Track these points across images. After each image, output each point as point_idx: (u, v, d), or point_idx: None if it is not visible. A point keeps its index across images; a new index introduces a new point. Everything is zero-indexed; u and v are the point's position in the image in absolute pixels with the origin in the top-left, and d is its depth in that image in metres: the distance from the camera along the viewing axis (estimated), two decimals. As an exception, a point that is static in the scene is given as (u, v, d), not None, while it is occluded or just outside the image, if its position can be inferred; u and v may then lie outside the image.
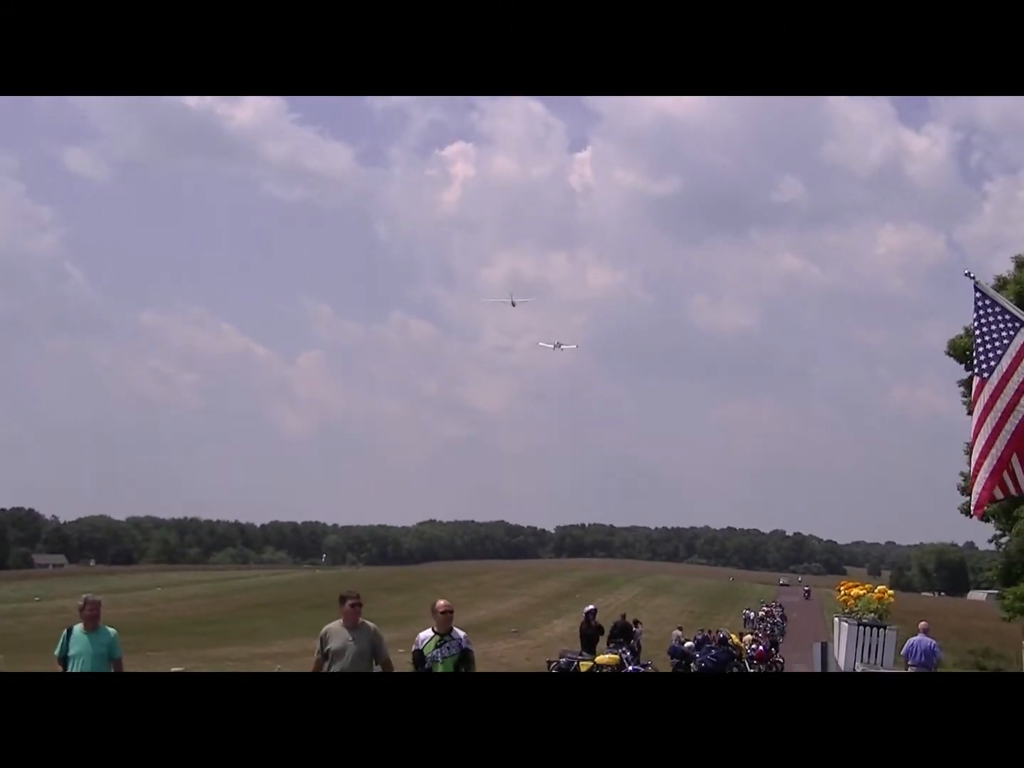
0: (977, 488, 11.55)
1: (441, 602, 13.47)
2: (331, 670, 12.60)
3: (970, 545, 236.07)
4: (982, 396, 11.46)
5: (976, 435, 11.52)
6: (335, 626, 13.14)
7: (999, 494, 11.69)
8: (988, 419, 11.38)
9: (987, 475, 11.35)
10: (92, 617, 13.75)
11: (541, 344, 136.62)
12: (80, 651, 13.40)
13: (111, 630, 13.95)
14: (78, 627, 13.77)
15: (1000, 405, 11.31)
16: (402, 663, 13.70)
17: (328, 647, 13.00)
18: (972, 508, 11.95)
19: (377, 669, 12.53)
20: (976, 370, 11.79)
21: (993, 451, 11.33)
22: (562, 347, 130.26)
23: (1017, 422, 11.22)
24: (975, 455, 11.68)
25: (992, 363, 11.41)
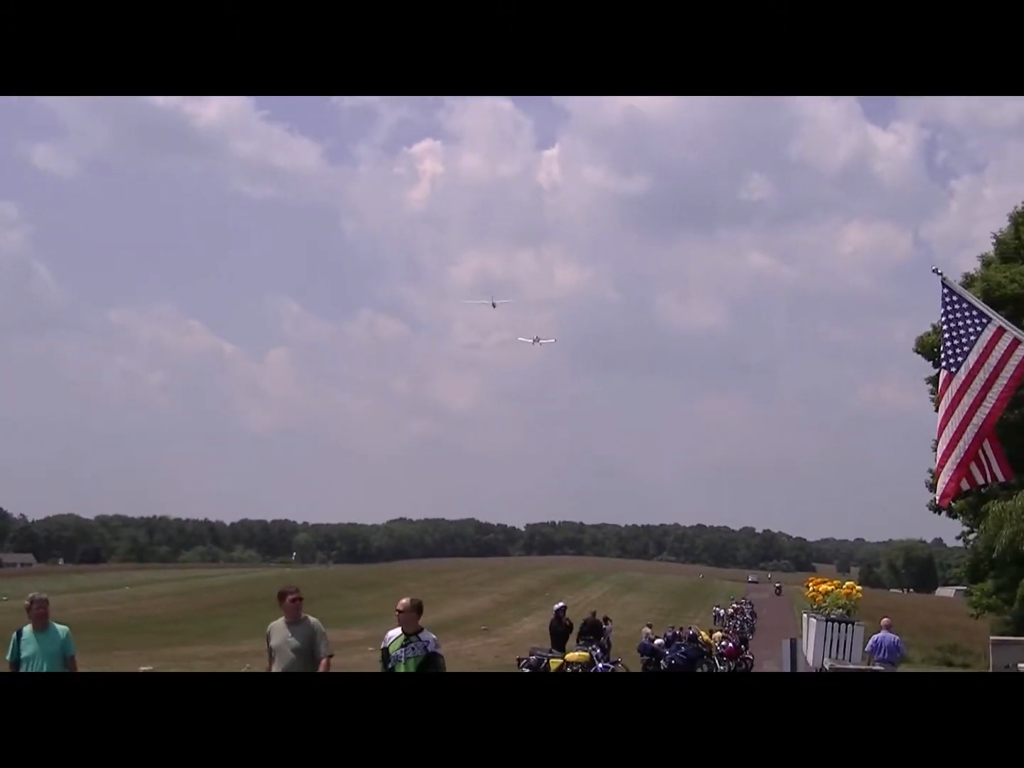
0: (944, 479, 11.75)
1: (402, 601, 12.96)
2: (274, 668, 12.50)
3: (939, 542, 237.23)
4: (949, 390, 11.69)
5: (943, 428, 11.73)
6: (278, 623, 12.97)
7: (966, 485, 11.95)
8: (955, 412, 11.60)
9: (954, 466, 11.56)
10: (41, 616, 13.19)
11: (520, 339, 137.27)
12: (33, 653, 12.82)
13: (62, 628, 13.40)
14: (27, 628, 13.18)
15: (967, 400, 11.54)
16: (372, 661, 13.53)
17: (270, 644, 12.85)
18: (938, 498, 12.11)
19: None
20: (944, 364, 12.02)
21: (960, 443, 11.55)
22: (540, 341, 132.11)
23: (985, 415, 11.45)
24: (941, 447, 11.87)
25: (960, 358, 11.64)
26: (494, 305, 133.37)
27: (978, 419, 11.41)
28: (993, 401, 11.36)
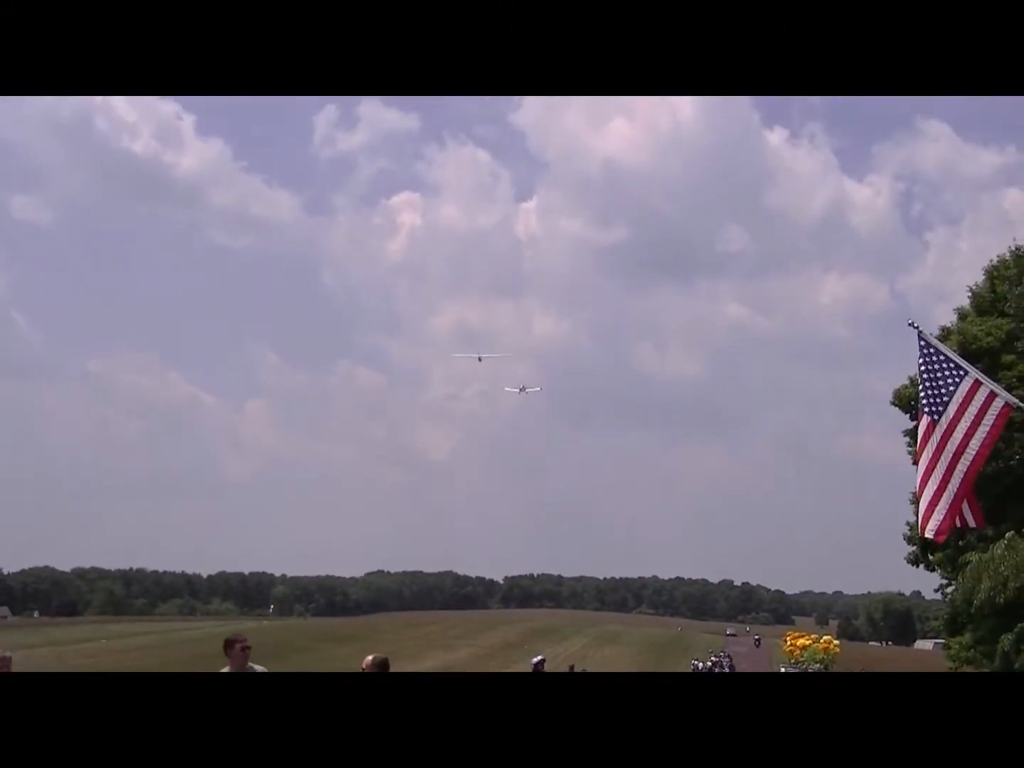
0: (937, 516, 12.25)
1: (366, 659, 12.10)
2: None
3: (917, 595, 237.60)
4: (933, 435, 12.41)
5: (930, 470, 12.30)
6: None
7: (959, 523, 12.51)
8: (941, 458, 12.27)
9: (947, 505, 12.11)
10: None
11: (507, 389, 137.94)
12: None
13: None
14: None
15: (951, 447, 12.22)
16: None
17: None
18: (933, 534, 12.52)
19: None
20: (926, 410, 12.61)
21: (949, 487, 12.17)
22: (527, 390, 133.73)
23: (968, 463, 12.12)
24: (931, 488, 12.40)
25: (940, 407, 12.25)
26: (480, 359, 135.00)
27: (962, 466, 12.07)
28: (976, 448, 12.00)
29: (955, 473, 11.89)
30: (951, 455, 11.94)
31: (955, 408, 12.02)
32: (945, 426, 12.03)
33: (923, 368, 12.31)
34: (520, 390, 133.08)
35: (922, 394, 12.40)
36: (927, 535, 12.53)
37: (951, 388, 12.11)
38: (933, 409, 12.12)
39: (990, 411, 11.89)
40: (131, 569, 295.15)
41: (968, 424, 11.90)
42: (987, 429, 11.83)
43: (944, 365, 12.30)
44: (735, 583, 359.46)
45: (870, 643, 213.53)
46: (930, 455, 12.10)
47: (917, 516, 13.47)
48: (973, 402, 11.90)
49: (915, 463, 13.82)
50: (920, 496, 12.45)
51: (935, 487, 12.05)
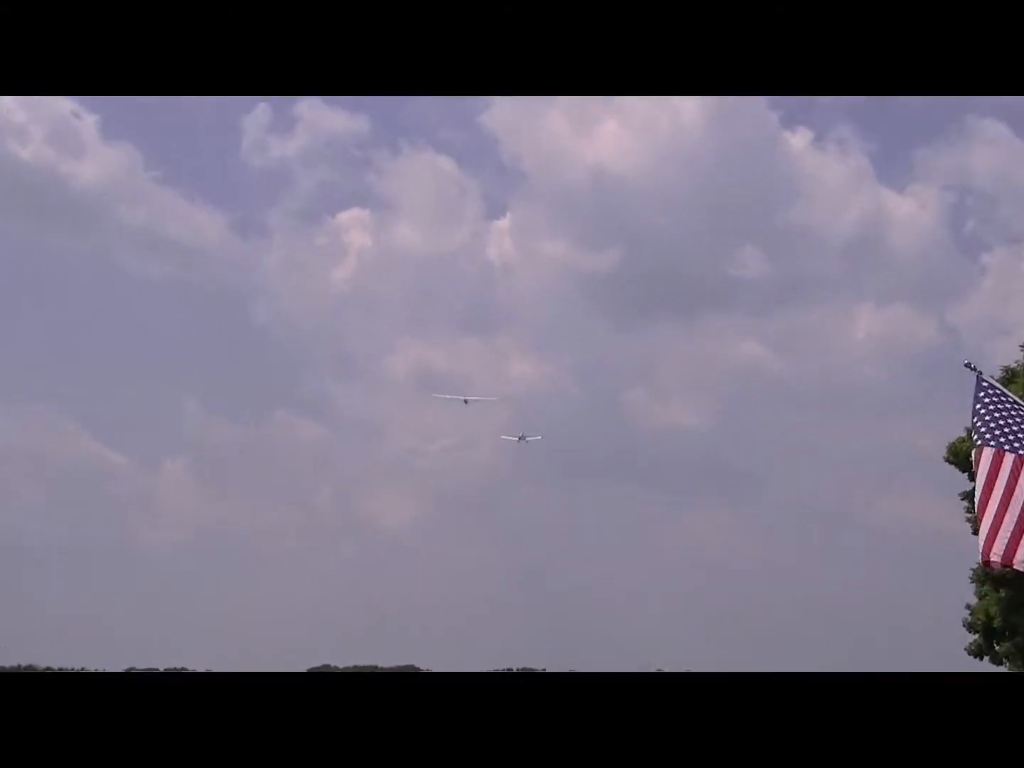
0: (1002, 539, 12.14)
1: None
2: None
3: None
4: (1003, 467, 12.32)
5: (1007, 501, 12.19)
6: None
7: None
8: (1016, 493, 12.20)
9: (1011, 530, 12.04)
10: None
11: (504, 437, 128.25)
12: None
13: None
14: None
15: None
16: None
17: None
18: (1000, 559, 12.35)
19: None
20: (992, 442, 12.52)
21: (1017, 515, 12.11)
22: (527, 439, 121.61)
23: None
24: (1011, 518, 12.27)
25: (1013, 439, 12.17)
26: (466, 401, 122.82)
27: None
28: None
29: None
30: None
31: None
32: (1013, 461, 11.97)
33: (984, 408, 12.21)
34: (519, 439, 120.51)
35: (980, 426, 12.30)
36: (991, 559, 12.35)
37: (1014, 428, 12.07)
38: (1003, 440, 12.05)
39: None
40: (23, 667, 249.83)
41: None
42: None
43: (1010, 407, 12.25)
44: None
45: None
46: (1003, 487, 12.01)
47: (979, 543, 13.25)
48: None
49: (975, 534, 13.51)
50: (982, 520, 12.32)
51: (1002, 512, 11.93)
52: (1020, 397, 13.84)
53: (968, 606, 42.75)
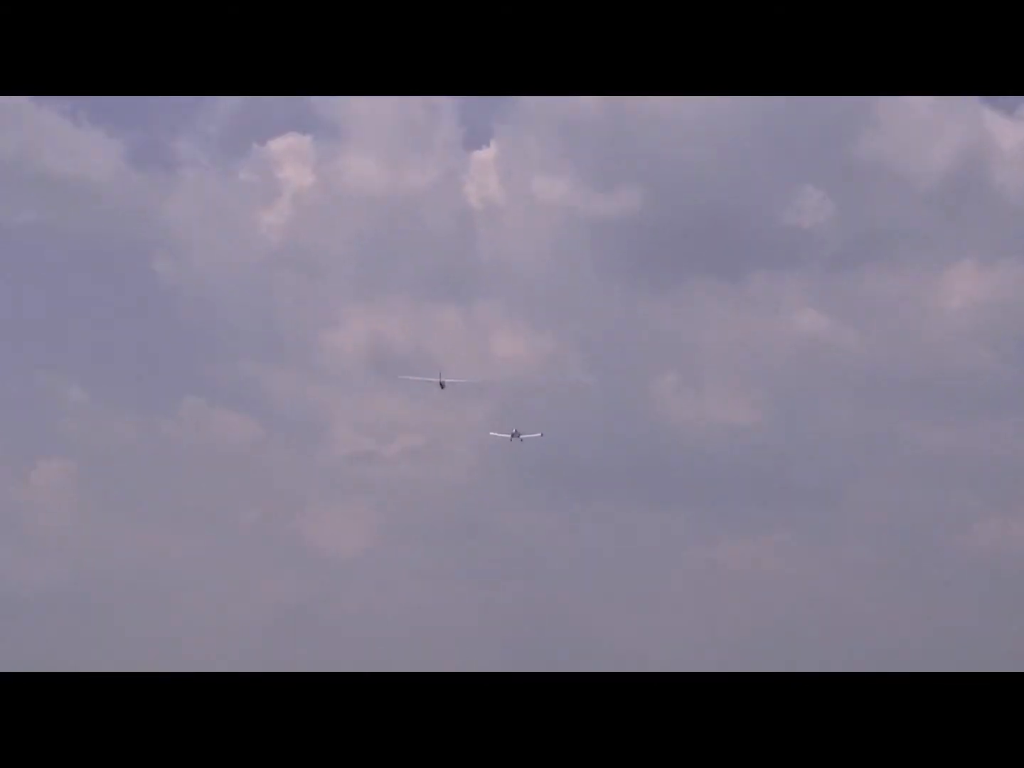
0: None
1: None
2: None
3: None
4: None
5: None
6: None
7: None
8: None
9: None
10: None
11: (493, 434, 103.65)
12: None
13: None
14: None
15: None
16: None
17: None
18: None
19: None
20: None
21: None
22: (521, 438, 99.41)
23: None
24: None
25: None
26: (442, 385, 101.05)
27: None
28: None
29: None
30: None
31: None
32: None
33: None
34: (512, 437, 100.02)
35: None
36: None
37: None
38: None
39: None
40: None
41: None
42: None
43: None
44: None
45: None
46: None
47: None
48: None
49: None
50: None
51: None
52: None
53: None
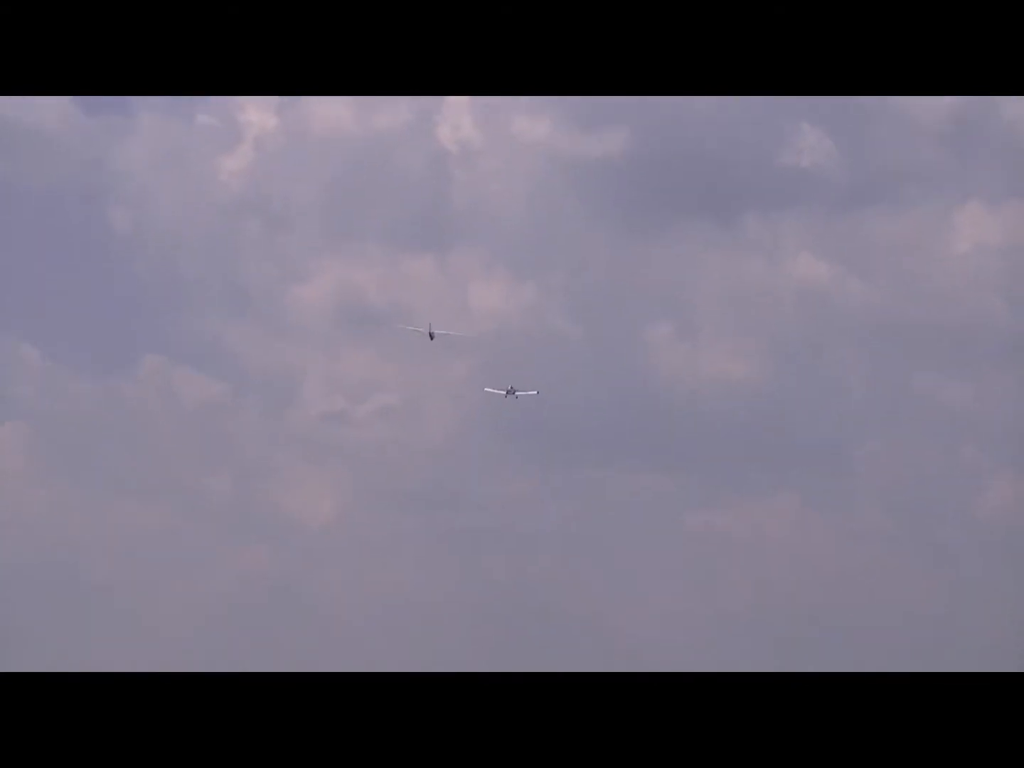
0: None
1: None
2: None
3: None
4: None
5: None
6: None
7: None
8: None
9: None
10: None
11: (488, 390, 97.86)
12: None
13: None
14: None
15: None
16: None
17: None
18: None
19: None
20: None
21: None
22: (516, 394, 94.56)
23: None
24: None
25: None
26: (432, 336, 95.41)
27: None
28: None
29: None
30: None
31: None
32: None
33: None
34: (507, 393, 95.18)
35: None
36: None
37: None
38: None
39: None
40: None
41: None
42: None
43: None
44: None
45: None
46: None
47: None
48: None
49: None
50: None
51: None
52: None
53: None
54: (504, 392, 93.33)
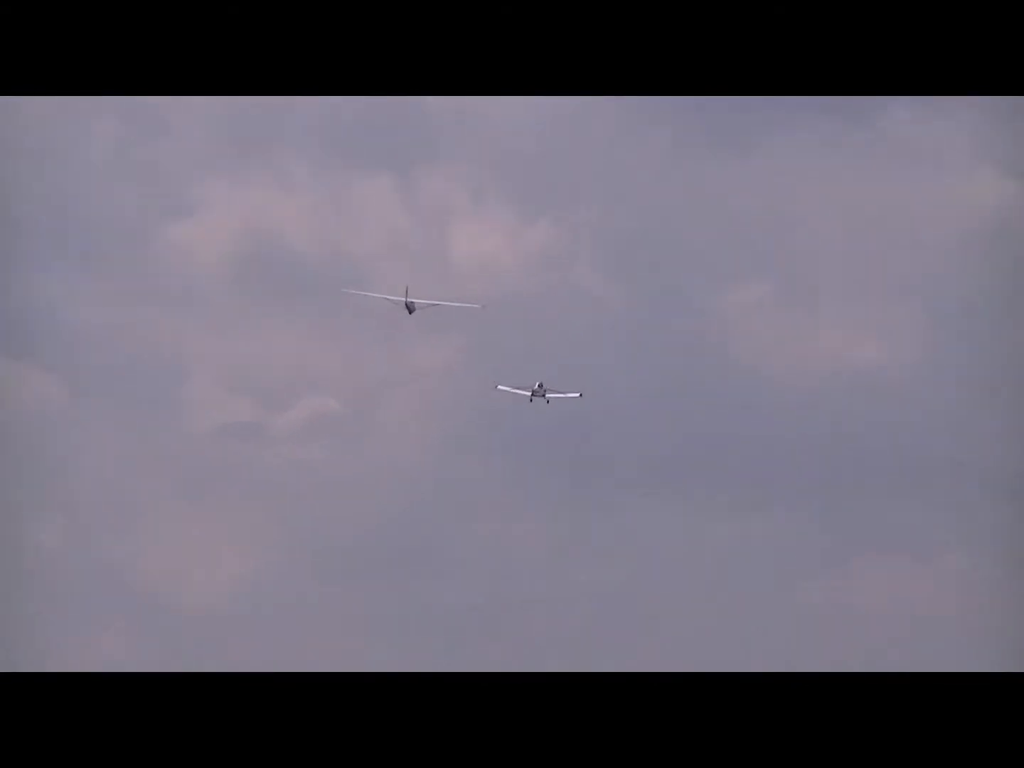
0: None
1: None
2: None
3: None
4: None
5: None
6: None
7: None
8: None
9: None
10: None
11: (502, 388, 67.97)
12: None
13: None
14: None
15: None
16: None
17: None
18: None
19: None
20: None
21: None
22: (547, 396, 66.83)
23: None
24: None
25: None
26: (410, 309, 67.75)
27: None
28: None
29: None
30: None
31: None
32: None
33: None
34: (534, 394, 66.42)
35: None
36: None
37: None
38: None
39: None
40: None
41: None
42: None
43: None
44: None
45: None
46: None
47: None
48: None
49: None
50: None
51: None
52: None
53: None
54: (530, 392, 67.14)
